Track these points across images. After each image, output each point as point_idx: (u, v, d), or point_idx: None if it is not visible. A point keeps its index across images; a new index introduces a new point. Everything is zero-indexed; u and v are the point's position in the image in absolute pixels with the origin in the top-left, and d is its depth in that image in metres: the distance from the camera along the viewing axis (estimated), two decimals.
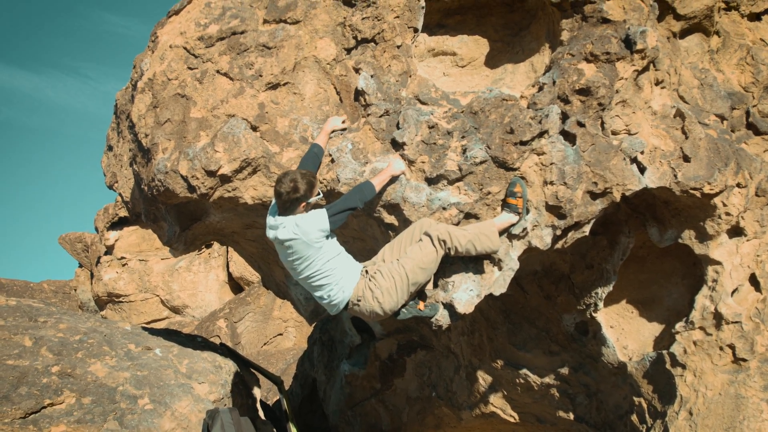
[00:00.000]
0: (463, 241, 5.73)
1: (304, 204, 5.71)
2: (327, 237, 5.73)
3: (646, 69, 6.51)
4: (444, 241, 5.71)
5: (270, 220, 5.87)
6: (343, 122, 6.43)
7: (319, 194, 5.85)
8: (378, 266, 5.86)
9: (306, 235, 5.59)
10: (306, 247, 5.64)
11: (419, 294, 6.02)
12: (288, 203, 5.66)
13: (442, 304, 5.97)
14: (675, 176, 6.52)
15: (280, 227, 5.70)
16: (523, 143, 6.15)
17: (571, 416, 8.29)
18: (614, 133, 6.42)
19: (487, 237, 5.84)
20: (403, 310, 5.93)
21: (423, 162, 6.13)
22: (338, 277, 5.77)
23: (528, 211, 6.11)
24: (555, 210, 6.16)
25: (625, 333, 7.67)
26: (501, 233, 6.02)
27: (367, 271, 5.89)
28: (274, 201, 5.92)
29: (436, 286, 6.07)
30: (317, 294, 5.89)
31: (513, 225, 6.08)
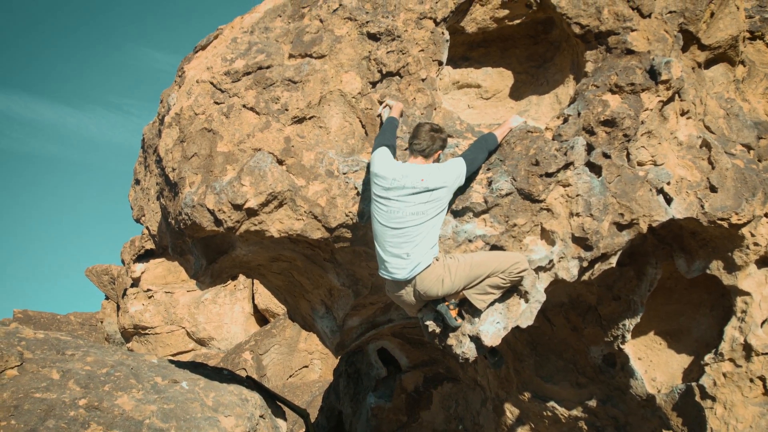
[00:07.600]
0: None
1: (438, 152, 6.03)
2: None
3: (671, 99, 6.50)
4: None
5: (406, 167, 5.84)
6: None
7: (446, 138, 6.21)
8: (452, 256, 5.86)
9: (451, 177, 5.79)
10: (447, 194, 5.81)
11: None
12: (428, 153, 5.94)
13: (469, 336, 5.94)
14: (702, 207, 6.48)
15: (426, 173, 5.75)
16: (548, 175, 6.15)
17: None
18: (640, 164, 6.40)
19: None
20: (443, 304, 5.84)
21: None
22: (430, 245, 5.75)
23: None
24: (581, 242, 6.14)
25: (653, 365, 7.59)
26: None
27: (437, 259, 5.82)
28: (385, 156, 5.99)
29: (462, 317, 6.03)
30: (403, 243, 5.75)
31: None
